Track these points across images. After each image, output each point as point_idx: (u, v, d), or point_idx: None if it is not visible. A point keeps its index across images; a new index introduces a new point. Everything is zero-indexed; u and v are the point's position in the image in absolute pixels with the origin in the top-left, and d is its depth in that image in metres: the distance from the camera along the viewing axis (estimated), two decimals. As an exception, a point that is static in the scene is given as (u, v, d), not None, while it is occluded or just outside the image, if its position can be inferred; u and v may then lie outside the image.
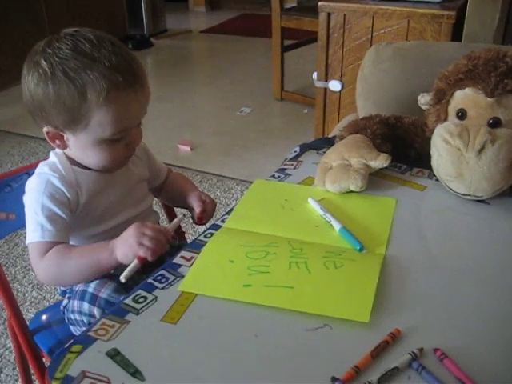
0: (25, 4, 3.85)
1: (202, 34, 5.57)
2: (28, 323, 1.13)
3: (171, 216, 1.30)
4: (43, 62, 0.86)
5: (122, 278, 0.85)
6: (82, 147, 0.93)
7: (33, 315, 1.62)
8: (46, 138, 0.94)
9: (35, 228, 0.91)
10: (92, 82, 0.84)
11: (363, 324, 0.71)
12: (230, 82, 4.02)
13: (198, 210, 1.04)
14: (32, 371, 1.16)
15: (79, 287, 0.97)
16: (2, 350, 1.62)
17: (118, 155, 0.95)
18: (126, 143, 0.94)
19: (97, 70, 0.84)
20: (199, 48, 5.36)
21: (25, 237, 0.94)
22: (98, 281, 0.95)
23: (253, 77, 4.08)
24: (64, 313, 1.05)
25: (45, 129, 0.92)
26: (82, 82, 0.85)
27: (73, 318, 0.99)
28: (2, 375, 1.54)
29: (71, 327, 1.03)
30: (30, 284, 1.89)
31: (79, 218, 0.96)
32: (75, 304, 0.97)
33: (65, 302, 1.05)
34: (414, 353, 0.65)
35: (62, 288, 1.05)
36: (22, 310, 1.73)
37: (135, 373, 0.65)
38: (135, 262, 0.86)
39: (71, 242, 0.97)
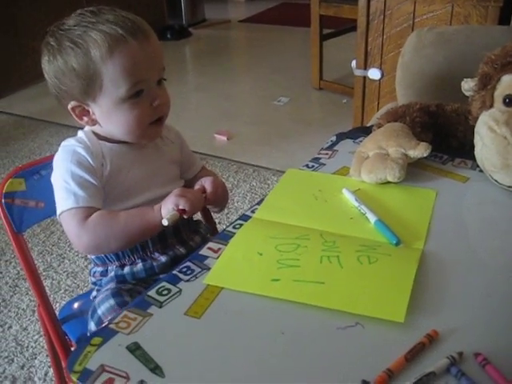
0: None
1: (240, 24, 5.53)
2: (59, 311, 1.13)
3: (204, 211, 1.27)
4: (50, 39, 0.91)
5: (165, 220, 0.88)
6: (106, 115, 0.92)
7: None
8: (73, 116, 0.94)
9: (67, 196, 0.90)
10: (93, 40, 0.87)
11: (398, 324, 0.66)
12: (268, 71, 3.97)
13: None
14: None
15: (108, 286, 0.97)
16: (36, 337, 1.63)
17: (143, 116, 0.93)
18: (150, 102, 0.92)
19: (97, 29, 0.87)
20: (238, 38, 5.32)
21: (61, 225, 0.93)
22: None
23: (291, 66, 4.02)
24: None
25: (69, 106, 0.93)
26: (85, 43, 0.87)
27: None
28: (36, 361, 1.55)
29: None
30: (64, 272, 1.90)
31: (104, 194, 0.95)
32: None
33: (94, 293, 1.03)
34: (452, 357, 0.60)
35: (93, 279, 1.04)
36: (56, 297, 1.76)
37: (155, 369, 0.62)
38: (174, 212, 0.89)
39: None
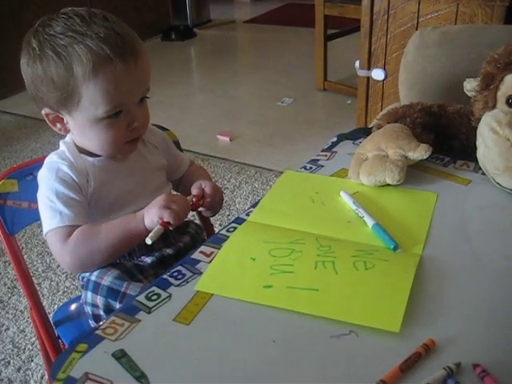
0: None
1: (245, 24, 5.51)
2: (54, 313, 1.11)
3: (201, 214, 1.24)
4: (33, 41, 0.85)
5: (148, 240, 0.83)
6: (80, 128, 0.90)
7: (64, 305, 1.62)
8: (47, 121, 0.92)
9: (53, 215, 0.88)
10: (78, 55, 0.81)
11: (393, 333, 0.63)
12: (272, 72, 3.95)
13: (191, 195, 0.96)
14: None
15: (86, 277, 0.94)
16: (33, 339, 1.61)
17: (118, 137, 0.90)
18: (127, 124, 0.89)
19: (83, 44, 0.81)
20: (242, 38, 5.30)
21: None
22: (100, 269, 0.91)
23: (295, 67, 4.00)
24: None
25: (43, 111, 0.90)
26: (68, 57, 0.82)
27: (86, 311, 0.96)
28: (32, 364, 1.53)
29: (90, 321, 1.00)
30: (63, 274, 1.88)
31: (90, 208, 0.93)
32: (83, 295, 0.94)
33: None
34: (449, 368, 0.58)
35: (81, 282, 1.02)
36: (54, 299, 1.75)
37: (140, 377, 0.60)
38: (158, 226, 0.85)
39: None
